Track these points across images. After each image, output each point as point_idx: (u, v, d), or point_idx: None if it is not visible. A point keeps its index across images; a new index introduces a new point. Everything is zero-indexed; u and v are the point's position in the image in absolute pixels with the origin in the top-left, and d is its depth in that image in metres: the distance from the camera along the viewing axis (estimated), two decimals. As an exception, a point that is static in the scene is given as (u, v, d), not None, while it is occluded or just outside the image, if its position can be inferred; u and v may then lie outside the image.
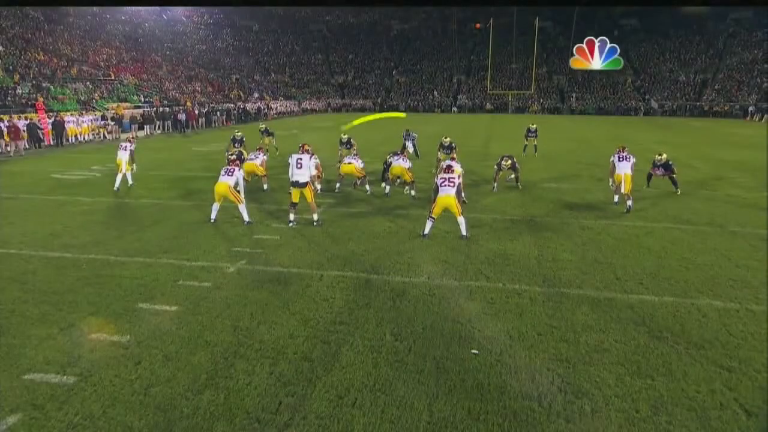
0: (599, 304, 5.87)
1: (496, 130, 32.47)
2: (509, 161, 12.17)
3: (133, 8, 53.17)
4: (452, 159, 11.54)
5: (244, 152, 13.44)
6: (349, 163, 12.00)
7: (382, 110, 56.83)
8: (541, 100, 55.85)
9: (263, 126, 20.44)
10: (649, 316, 5.55)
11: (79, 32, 44.08)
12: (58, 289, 6.28)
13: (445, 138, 14.33)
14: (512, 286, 6.40)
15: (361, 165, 12.15)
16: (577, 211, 10.33)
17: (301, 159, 8.91)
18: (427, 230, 8.44)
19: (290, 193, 9.23)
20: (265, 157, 12.82)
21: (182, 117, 32.16)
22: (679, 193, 11.89)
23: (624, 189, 10.20)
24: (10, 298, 6.02)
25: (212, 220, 9.25)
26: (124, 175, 12.38)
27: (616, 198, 10.95)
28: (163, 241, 8.22)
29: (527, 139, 19.47)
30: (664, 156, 12.01)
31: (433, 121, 39.02)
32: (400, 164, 11.51)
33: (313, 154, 9.96)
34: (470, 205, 10.75)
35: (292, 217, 9.10)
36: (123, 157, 12.29)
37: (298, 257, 7.46)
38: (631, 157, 10.54)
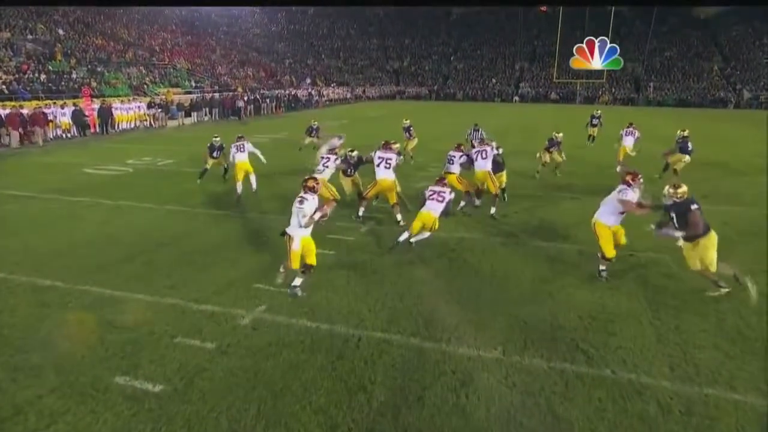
0: (771, 424, 3.92)
1: (563, 122, 29.65)
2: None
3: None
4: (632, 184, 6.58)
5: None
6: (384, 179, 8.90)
7: (438, 99, 54.60)
8: (613, 90, 51.67)
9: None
10: None
11: (138, 15, 44.50)
12: (27, 343, 5.01)
13: (558, 133, 13.17)
14: (627, 376, 4.53)
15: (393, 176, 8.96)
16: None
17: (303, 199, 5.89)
18: (401, 238, 7.34)
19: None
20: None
21: (240, 104, 31.52)
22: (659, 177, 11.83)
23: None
24: (-34, 353, 4.80)
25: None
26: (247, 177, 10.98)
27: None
28: (174, 269, 6.88)
29: (591, 128, 19.03)
30: (687, 132, 12.71)
31: (495, 112, 36.57)
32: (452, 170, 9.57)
33: (398, 153, 9.15)
34: (546, 229, 8.83)
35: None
36: (241, 157, 10.78)
37: (332, 304, 5.87)
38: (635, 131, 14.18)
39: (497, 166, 9.64)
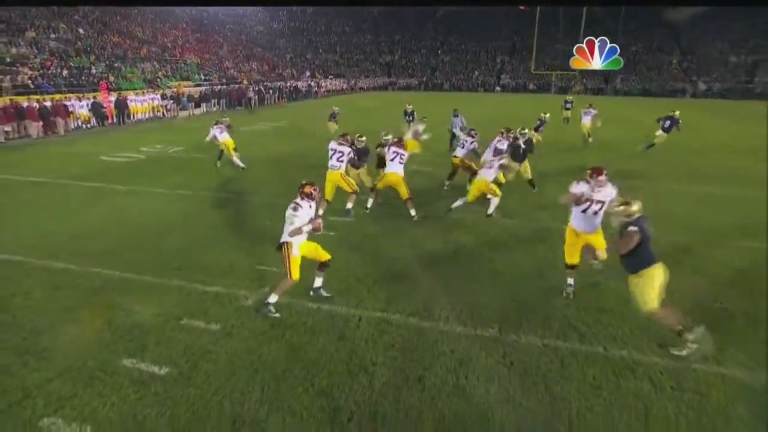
0: None
1: (541, 110, 29.02)
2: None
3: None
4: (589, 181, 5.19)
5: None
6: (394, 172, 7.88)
7: (426, 89, 53.52)
8: (584, 81, 50.77)
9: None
10: None
11: (151, 15, 42.89)
12: (39, 325, 4.59)
13: (545, 114, 13.44)
14: (618, 353, 4.19)
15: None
16: (676, 233, 7.77)
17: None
18: (455, 205, 7.93)
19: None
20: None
21: (250, 95, 30.53)
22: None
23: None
24: (-24, 338, 4.37)
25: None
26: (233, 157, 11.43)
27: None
28: (180, 251, 6.42)
29: (565, 111, 19.81)
30: (677, 113, 13.01)
31: (479, 102, 35.76)
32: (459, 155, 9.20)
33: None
34: (535, 211, 8.44)
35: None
36: (225, 137, 11.30)
37: (333, 284, 5.44)
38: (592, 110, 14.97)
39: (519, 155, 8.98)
